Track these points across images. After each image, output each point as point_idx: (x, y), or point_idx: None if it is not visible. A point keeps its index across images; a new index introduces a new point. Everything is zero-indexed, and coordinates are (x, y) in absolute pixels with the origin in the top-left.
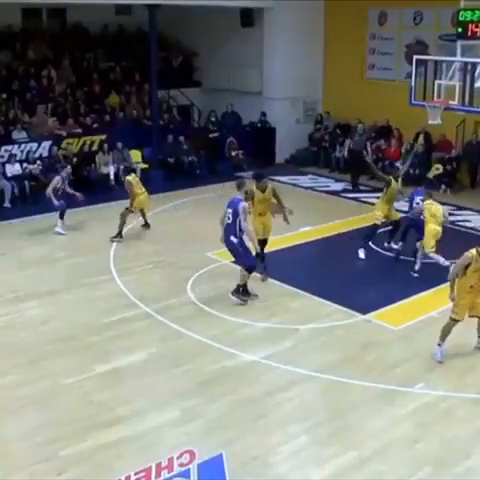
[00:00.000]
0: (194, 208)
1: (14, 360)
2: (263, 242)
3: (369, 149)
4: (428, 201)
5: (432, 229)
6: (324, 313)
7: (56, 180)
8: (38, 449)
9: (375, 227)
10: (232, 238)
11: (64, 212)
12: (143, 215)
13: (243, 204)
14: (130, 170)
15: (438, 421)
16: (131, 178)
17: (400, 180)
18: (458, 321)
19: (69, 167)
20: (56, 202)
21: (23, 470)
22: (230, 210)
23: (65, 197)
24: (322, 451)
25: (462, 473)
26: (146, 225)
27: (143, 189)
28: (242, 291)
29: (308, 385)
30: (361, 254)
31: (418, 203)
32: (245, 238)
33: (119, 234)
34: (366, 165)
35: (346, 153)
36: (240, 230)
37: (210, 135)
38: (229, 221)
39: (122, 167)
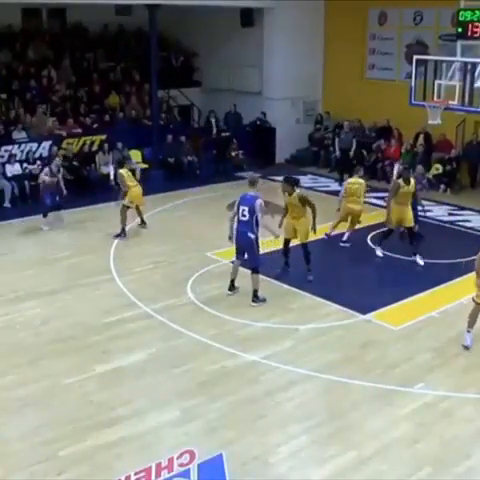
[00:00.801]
0: (194, 208)
1: (14, 360)
2: (287, 242)
3: (354, 146)
4: (351, 180)
5: (346, 207)
6: (324, 313)
7: (44, 171)
8: (38, 449)
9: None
10: (250, 234)
11: (49, 211)
12: (139, 213)
13: (259, 201)
14: (122, 163)
15: (438, 421)
16: (124, 171)
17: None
18: None
19: (58, 159)
20: (47, 200)
21: (23, 470)
22: (245, 208)
23: (58, 193)
24: (322, 451)
25: (462, 473)
26: (143, 224)
27: (135, 182)
28: (254, 296)
29: (308, 385)
30: (378, 252)
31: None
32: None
33: (123, 231)
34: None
35: (338, 153)
36: (257, 227)
37: (222, 134)
38: (245, 218)
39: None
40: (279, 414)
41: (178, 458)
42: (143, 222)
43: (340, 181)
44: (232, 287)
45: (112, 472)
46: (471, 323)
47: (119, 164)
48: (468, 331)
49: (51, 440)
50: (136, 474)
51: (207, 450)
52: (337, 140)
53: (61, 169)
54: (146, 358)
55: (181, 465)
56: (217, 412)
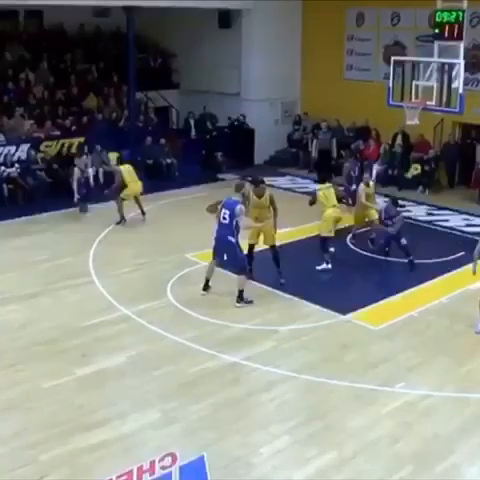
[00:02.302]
0: (173, 210)
1: None
2: (251, 247)
3: (334, 147)
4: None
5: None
6: (304, 314)
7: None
8: (19, 453)
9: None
10: (230, 238)
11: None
12: (139, 205)
13: (240, 206)
14: (124, 161)
15: (419, 420)
16: (123, 169)
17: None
18: None
19: (85, 157)
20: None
21: (3, 475)
22: (227, 211)
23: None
24: (304, 451)
25: (443, 472)
26: (143, 214)
27: (135, 178)
28: (239, 296)
29: (289, 386)
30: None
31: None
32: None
33: (122, 218)
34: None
35: (315, 153)
36: (237, 231)
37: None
38: (226, 222)
39: (101, 169)
40: (260, 415)
41: (160, 461)
42: (143, 213)
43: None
44: (206, 286)
45: (94, 476)
46: None
47: (120, 162)
48: None
49: (32, 444)
50: (118, 478)
51: (189, 452)
52: (315, 141)
53: (89, 165)
54: (127, 361)
55: (163, 468)
56: (198, 414)
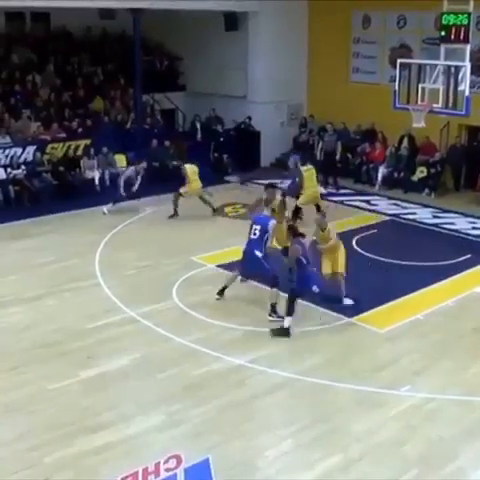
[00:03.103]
0: (179, 212)
1: None
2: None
3: (340, 149)
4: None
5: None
6: (310, 316)
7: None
8: (22, 456)
9: None
10: (257, 252)
11: (119, 201)
12: (205, 202)
13: (273, 222)
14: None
15: (424, 423)
16: (188, 167)
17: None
18: None
19: (144, 163)
20: (122, 190)
21: (7, 477)
22: (258, 226)
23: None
24: (309, 454)
25: (448, 475)
26: (214, 211)
27: (196, 177)
28: (272, 310)
29: (294, 388)
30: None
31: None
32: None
33: (175, 213)
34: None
35: (320, 156)
36: (265, 246)
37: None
38: (255, 237)
39: (107, 171)
40: (265, 417)
41: (165, 463)
42: (214, 209)
43: (325, 184)
44: (222, 292)
45: (98, 478)
46: None
47: (183, 161)
48: None
49: (36, 446)
50: (123, 479)
51: (194, 454)
52: (321, 143)
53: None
54: (131, 363)
55: (168, 470)
56: (203, 416)
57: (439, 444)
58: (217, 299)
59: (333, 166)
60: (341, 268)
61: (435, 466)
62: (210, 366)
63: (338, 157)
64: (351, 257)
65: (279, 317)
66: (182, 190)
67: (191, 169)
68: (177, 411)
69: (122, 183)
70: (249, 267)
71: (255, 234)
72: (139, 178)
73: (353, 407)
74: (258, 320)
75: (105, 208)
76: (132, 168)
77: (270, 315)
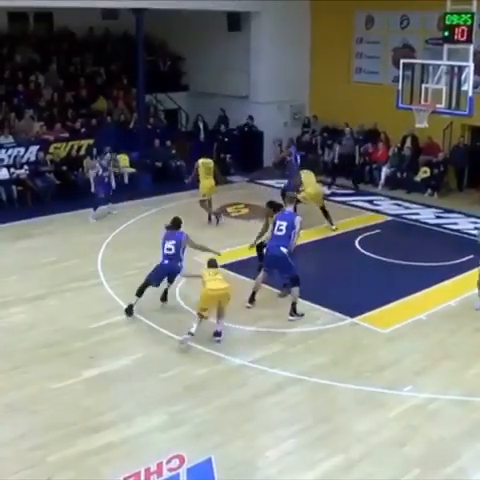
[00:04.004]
0: (182, 213)
1: (0, 366)
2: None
3: (358, 152)
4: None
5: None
6: (312, 316)
7: (96, 165)
8: (25, 455)
9: None
10: (282, 249)
11: (99, 202)
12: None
13: (299, 218)
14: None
15: (426, 423)
16: (200, 162)
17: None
18: None
19: (109, 155)
20: (101, 193)
21: (10, 477)
22: (284, 223)
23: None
24: (310, 455)
25: (450, 475)
26: (217, 218)
27: (209, 176)
28: (292, 309)
29: (296, 388)
30: None
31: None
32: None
33: (215, 215)
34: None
35: (336, 158)
36: (291, 241)
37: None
38: (281, 233)
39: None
40: (267, 418)
41: (167, 463)
42: (216, 217)
43: (330, 185)
44: (252, 299)
45: (100, 478)
46: None
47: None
48: None
49: (38, 446)
50: (126, 479)
51: (196, 454)
52: (338, 146)
53: (111, 163)
54: (133, 363)
55: (170, 470)
56: (204, 416)
57: (440, 444)
58: (248, 307)
59: (352, 169)
60: None
61: (436, 466)
62: (212, 366)
63: (357, 161)
64: (354, 257)
65: (299, 317)
66: (201, 194)
67: (203, 166)
68: (179, 411)
69: (92, 181)
70: (271, 264)
71: (281, 230)
72: (111, 172)
73: (354, 407)
74: (259, 320)
75: (90, 217)
76: (96, 163)
77: (291, 315)
